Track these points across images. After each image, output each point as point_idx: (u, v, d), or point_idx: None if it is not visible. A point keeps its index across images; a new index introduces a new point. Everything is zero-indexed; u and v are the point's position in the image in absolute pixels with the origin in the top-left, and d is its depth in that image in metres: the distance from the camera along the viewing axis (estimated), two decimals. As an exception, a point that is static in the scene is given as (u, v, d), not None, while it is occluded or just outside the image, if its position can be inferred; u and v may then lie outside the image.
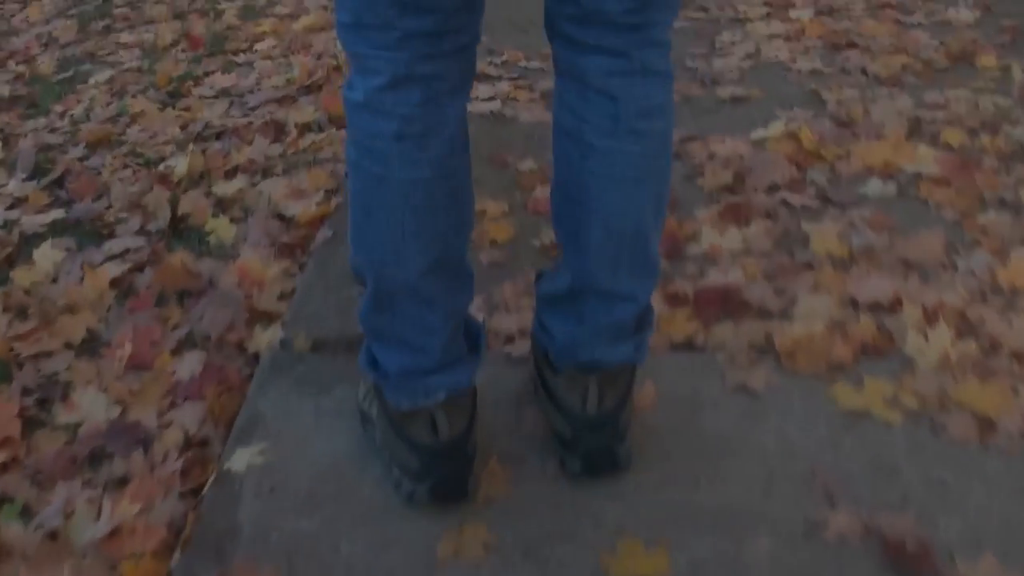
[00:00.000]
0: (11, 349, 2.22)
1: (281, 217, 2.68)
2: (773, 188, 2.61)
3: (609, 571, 1.58)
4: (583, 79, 1.53)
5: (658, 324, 2.08)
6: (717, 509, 1.69)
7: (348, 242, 1.60)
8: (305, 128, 3.19)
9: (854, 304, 2.14)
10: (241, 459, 1.83)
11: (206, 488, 1.79)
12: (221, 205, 2.78)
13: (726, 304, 2.16)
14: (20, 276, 2.51)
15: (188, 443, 1.93)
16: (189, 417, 1.99)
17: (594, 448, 1.72)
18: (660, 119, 1.56)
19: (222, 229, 2.63)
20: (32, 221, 2.77)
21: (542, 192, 2.63)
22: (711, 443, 1.82)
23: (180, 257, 2.48)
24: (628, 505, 1.70)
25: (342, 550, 1.64)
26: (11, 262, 2.62)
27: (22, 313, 2.35)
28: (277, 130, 3.18)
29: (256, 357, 2.15)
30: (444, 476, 1.67)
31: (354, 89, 1.49)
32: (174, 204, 2.73)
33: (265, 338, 2.16)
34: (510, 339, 2.09)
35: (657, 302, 2.14)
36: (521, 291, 2.23)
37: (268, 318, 2.26)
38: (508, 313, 2.17)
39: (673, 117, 1.60)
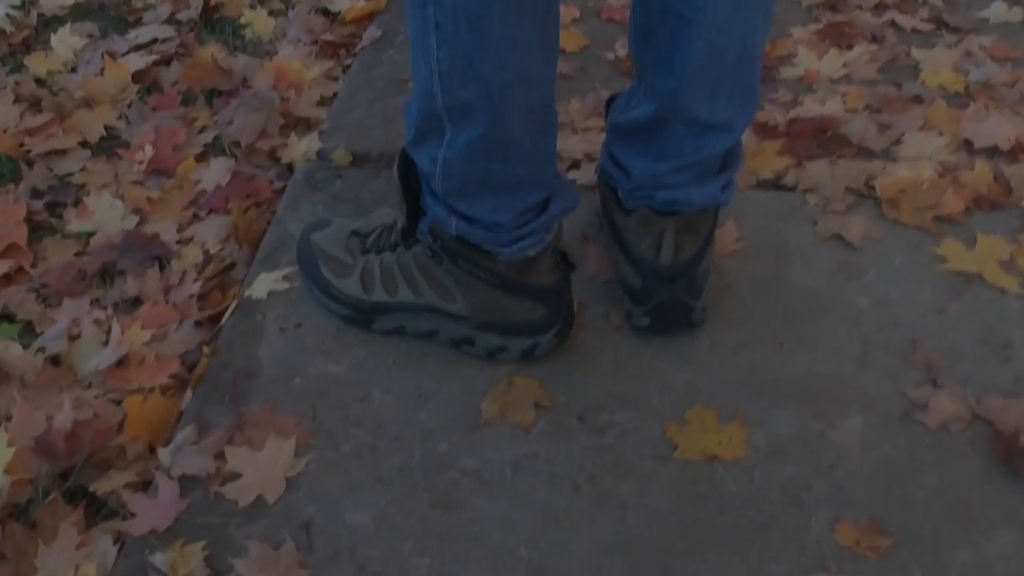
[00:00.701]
0: (21, 144, 2.03)
1: (325, 12, 2.44)
2: (881, 7, 2.31)
3: (676, 444, 1.39)
4: None
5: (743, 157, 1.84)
6: (802, 379, 1.48)
7: (424, 90, 1.28)
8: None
9: (969, 147, 1.88)
10: (265, 286, 1.63)
11: (225, 317, 1.60)
12: (259, -5, 2.53)
13: (822, 138, 1.91)
14: (35, 63, 2.29)
15: (208, 263, 1.73)
16: (211, 233, 1.79)
17: (666, 302, 1.50)
18: None
19: (259, 22, 2.38)
20: (52, 2, 2.53)
21: (617, -3, 2.36)
22: (798, 301, 1.60)
23: (211, 51, 2.25)
24: (701, 369, 1.49)
25: (373, 400, 1.46)
26: (27, 47, 2.40)
27: (35, 105, 2.15)
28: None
29: (289, 169, 1.94)
30: (569, 313, 1.50)
31: None
32: (207, -9, 2.48)
33: (300, 148, 1.94)
34: (575, 164, 1.86)
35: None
36: (590, 110, 1.99)
37: (305, 125, 2.05)
38: (574, 134, 1.93)
39: None
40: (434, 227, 1.43)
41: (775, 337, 1.54)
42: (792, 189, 1.80)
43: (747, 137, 1.89)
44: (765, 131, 1.92)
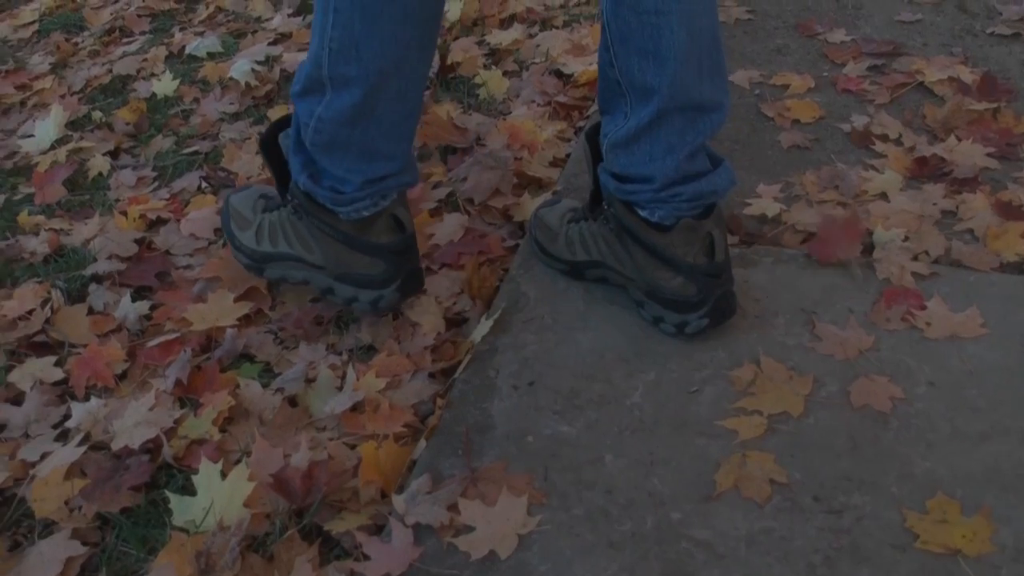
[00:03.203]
0: (265, 192, 2.10)
1: (559, 74, 2.46)
2: None
3: (917, 534, 1.33)
4: None
5: (985, 238, 1.78)
6: (1055, 476, 1.39)
7: (314, 57, 1.52)
8: (591, -22, 2.92)
9: None
10: (499, 343, 1.64)
11: (459, 372, 1.62)
12: (494, 56, 2.57)
13: (1073, 222, 1.82)
14: (277, 116, 2.37)
15: (441, 316, 1.75)
16: (444, 287, 1.82)
17: (721, 297, 1.60)
18: None
19: (493, 82, 2.43)
20: (294, 59, 2.65)
21: (854, 68, 2.31)
22: (1050, 391, 1.51)
23: (447, 109, 2.30)
24: (943, 457, 1.43)
25: (605, 464, 1.44)
26: (269, 101, 2.51)
27: (276, 156, 2.22)
28: (560, -22, 2.93)
29: (521, 228, 1.95)
30: (410, 270, 1.70)
31: None
32: (444, 51, 2.54)
33: (533, 207, 1.95)
34: (810, 236, 1.82)
35: (985, 211, 1.83)
36: (825, 182, 1.95)
37: (538, 185, 2.06)
38: (809, 207, 1.89)
39: None
40: (293, 187, 1.68)
41: (1022, 429, 1.46)
42: (1040, 274, 1.73)
43: (989, 217, 1.83)
44: (1008, 211, 1.85)
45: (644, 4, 1.44)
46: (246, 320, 1.81)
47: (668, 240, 1.57)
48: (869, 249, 1.78)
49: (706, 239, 1.57)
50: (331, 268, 1.70)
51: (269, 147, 1.70)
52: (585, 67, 2.41)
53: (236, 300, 1.83)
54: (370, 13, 1.46)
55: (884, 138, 2.07)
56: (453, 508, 1.38)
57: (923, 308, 1.66)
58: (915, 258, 1.76)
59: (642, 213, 1.58)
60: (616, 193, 1.60)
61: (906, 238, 1.80)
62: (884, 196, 1.91)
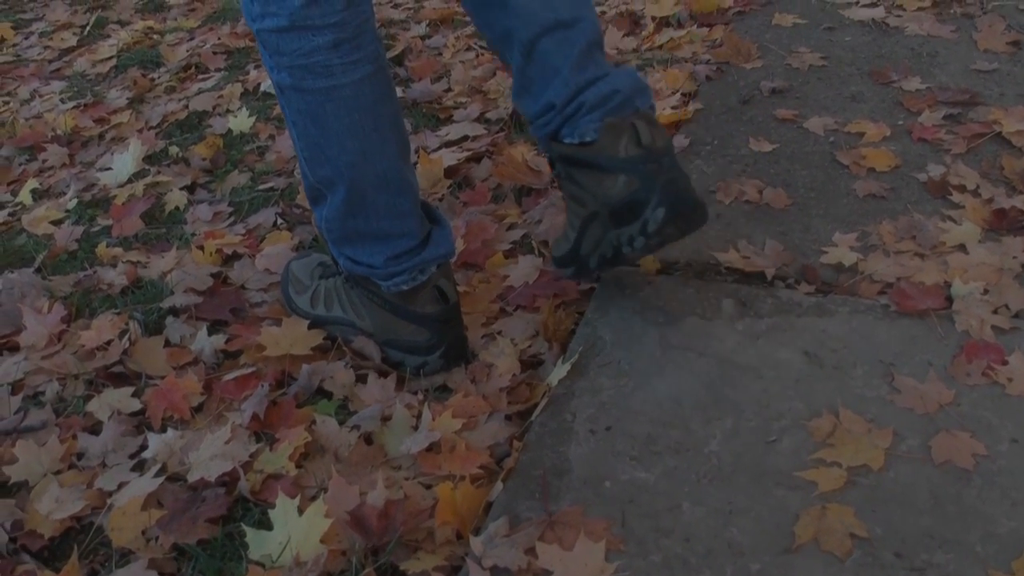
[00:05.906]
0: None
1: (632, 118, 2.44)
2: None
3: (1003, 595, 1.30)
4: None
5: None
6: None
7: (301, 169, 1.67)
8: (663, 23, 2.92)
9: None
10: (575, 387, 1.64)
11: (535, 415, 1.62)
12: (568, 99, 2.58)
13: None
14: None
15: (516, 358, 1.75)
16: (519, 329, 1.82)
17: (669, 180, 1.60)
18: None
19: (567, 125, 2.42)
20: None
21: (930, 117, 2.29)
22: None
23: (521, 151, 2.31)
24: (1029, 515, 1.40)
25: (683, 511, 1.43)
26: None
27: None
28: (632, 23, 2.94)
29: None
30: (454, 339, 1.76)
31: (270, 16, 1.51)
32: (518, 93, 2.55)
33: (609, 250, 1.95)
34: (887, 287, 1.80)
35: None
36: (903, 232, 1.93)
37: (612, 229, 2.05)
38: (886, 257, 1.87)
39: None
40: None
41: (1114, 488, 1.44)
42: None
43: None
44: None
45: None
46: (319, 352, 1.82)
47: (598, 147, 1.62)
48: (948, 301, 1.76)
49: (631, 131, 1.61)
50: (379, 334, 1.79)
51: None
52: (658, 112, 2.41)
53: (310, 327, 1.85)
54: (316, 116, 1.57)
55: (961, 189, 2.05)
56: (530, 552, 1.37)
57: (1004, 363, 1.63)
58: (995, 311, 1.74)
59: (568, 140, 1.65)
60: (536, 132, 1.71)
61: (985, 291, 1.78)
62: (962, 248, 1.89)
